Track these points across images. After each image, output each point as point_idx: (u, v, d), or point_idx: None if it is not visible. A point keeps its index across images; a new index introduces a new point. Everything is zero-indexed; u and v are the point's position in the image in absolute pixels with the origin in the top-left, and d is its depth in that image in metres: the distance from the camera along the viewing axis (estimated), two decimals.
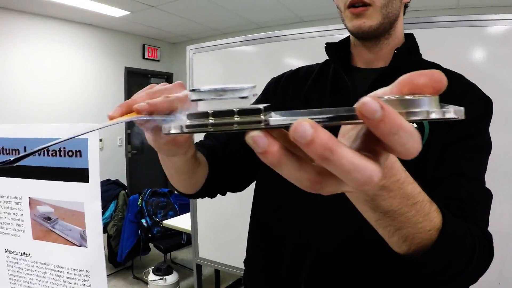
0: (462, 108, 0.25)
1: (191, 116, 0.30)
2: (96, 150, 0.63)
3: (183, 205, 3.75)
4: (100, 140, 4.23)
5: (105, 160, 5.05)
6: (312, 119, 0.24)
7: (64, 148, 0.64)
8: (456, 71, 0.81)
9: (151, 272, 3.19)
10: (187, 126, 0.30)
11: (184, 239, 3.57)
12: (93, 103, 5.00)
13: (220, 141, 0.86)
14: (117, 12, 4.32)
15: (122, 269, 3.87)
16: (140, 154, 5.84)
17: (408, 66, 0.77)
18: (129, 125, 5.50)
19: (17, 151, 0.68)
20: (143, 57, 5.73)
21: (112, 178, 4.09)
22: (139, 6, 4.12)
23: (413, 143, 0.25)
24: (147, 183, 5.26)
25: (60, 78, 4.61)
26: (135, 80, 5.70)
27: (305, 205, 0.79)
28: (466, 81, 0.80)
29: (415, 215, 0.44)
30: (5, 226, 0.73)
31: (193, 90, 0.33)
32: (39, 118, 4.29)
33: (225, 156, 0.84)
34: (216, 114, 0.28)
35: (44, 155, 0.66)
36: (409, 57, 0.83)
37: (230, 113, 0.28)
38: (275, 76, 0.99)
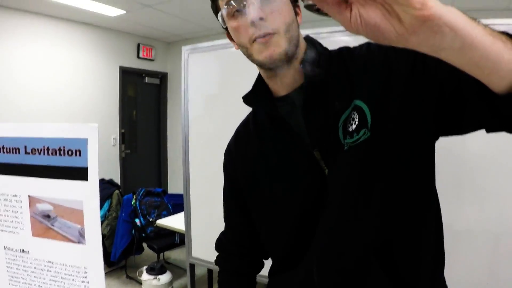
0: None
1: None
2: (95, 149, 0.65)
3: (177, 205, 3.76)
4: None
5: (99, 160, 5.02)
6: None
7: (64, 147, 0.66)
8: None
9: (144, 272, 3.19)
10: None
11: (177, 239, 3.58)
12: (87, 102, 4.99)
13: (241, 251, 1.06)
14: (113, 11, 4.32)
15: (115, 269, 3.88)
16: (134, 154, 5.83)
17: (320, 69, 0.81)
18: (123, 125, 5.50)
19: (17, 150, 0.69)
20: (138, 57, 5.71)
21: (106, 178, 4.09)
22: (135, 6, 4.12)
23: None
24: (141, 183, 5.25)
25: (55, 76, 4.59)
26: (130, 79, 5.68)
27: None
28: (373, 45, 0.82)
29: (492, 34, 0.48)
30: (5, 224, 0.74)
31: None
32: (32, 118, 4.28)
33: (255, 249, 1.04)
34: None
35: (44, 154, 0.67)
36: (316, 61, 0.84)
37: None
38: None
